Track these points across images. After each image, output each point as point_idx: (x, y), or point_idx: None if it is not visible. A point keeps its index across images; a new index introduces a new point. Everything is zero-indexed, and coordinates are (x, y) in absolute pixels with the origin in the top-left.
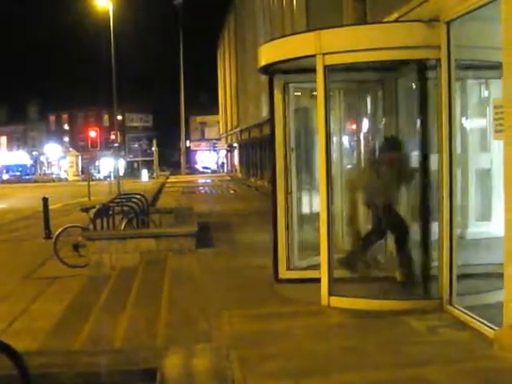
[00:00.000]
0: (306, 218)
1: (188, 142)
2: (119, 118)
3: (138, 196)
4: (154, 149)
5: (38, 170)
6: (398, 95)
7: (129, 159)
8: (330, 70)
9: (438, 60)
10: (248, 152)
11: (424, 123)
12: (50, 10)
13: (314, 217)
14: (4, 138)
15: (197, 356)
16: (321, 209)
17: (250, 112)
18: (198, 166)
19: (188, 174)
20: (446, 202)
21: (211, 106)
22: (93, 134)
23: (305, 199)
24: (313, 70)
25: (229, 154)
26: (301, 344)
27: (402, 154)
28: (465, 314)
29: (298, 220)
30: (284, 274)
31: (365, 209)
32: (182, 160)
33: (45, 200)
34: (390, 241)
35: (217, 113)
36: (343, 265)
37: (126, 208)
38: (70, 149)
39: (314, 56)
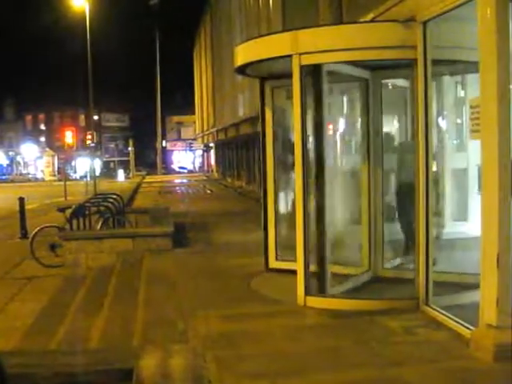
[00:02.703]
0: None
1: (164, 141)
2: (95, 117)
3: (114, 196)
4: (130, 149)
5: (15, 170)
6: (376, 95)
7: (105, 159)
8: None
9: (415, 60)
10: (224, 152)
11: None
12: (26, 9)
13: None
14: None
15: (173, 356)
16: (297, 208)
17: (226, 112)
18: (175, 166)
19: (164, 174)
20: (422, 202)
21: (187, 106)
22: (69, 134)
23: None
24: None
25: (205, 154)
26: (277, 344)
27: None
28: (441, 314)
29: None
30: (273, 263)
31: None
32: (159, 160)
33: (21, 200)
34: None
35: (193, 113)
36: None
37: (102, 208)
38: (47, 149)
39: (290, 56)
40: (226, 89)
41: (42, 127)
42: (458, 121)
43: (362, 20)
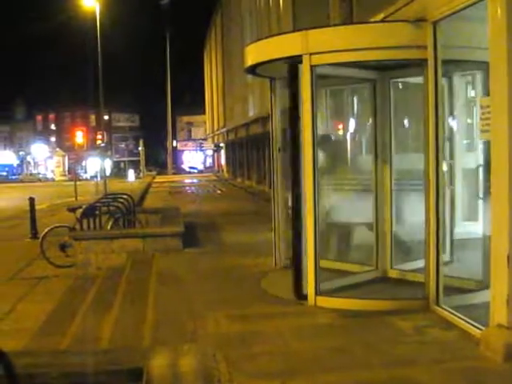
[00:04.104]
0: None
1: (175, 141)
2: (106, 117)
3: (125, 196)
4: (140, 149)
5: (25, 170)
6: (386, 95)
7: (115, 159)
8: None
9: (425, 60)
10: (234, 152)
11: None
12: (36, 8)
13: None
14: None
15: (183, 356)
16: (307, 209)
17: (236, 112)
18: (185, 166)
19: (175, 174)
20: (432, 202)
21: (198, 106)
22: (79, 134)
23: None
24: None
25: (215, 154)
26: (287, 344)
27: None
28: (451, 313)
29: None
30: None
31: None
32: (169, 160)
33: (31, 200)
34: None
35: (203, 113)
36: None
37: (112, 208)
38: (57, 149)
39: (300, 56)
40: (237, 89)
41: (53, 127)
42: (469, 121)
43: (372, 20)
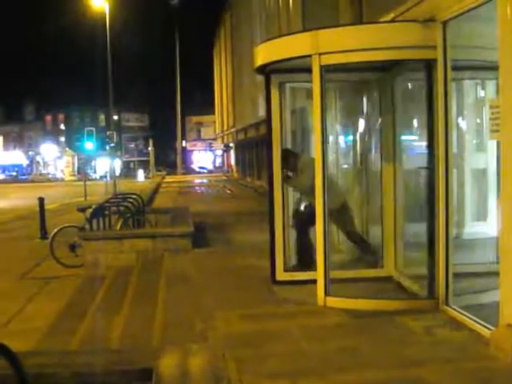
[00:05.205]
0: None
1: (184, 141)
2: (115, 117)
3: (134, 196)
4: (149, 149)
5: (34, 170)
6: (395, 95)
7: (125, 159)
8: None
9: (435, 60)
10: (244, 152)
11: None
12: (46, 9)
13: None
14: (0, 138)
15: (193, 356)
16: (317, 209)
17: (246, 112)
18: (194, 166)
19: (184, 174)
20: (441, 202)
21: (207, 106)
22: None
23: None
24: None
25: (225, 154)
26: (297, 344)
27: None
28: (461, 313)
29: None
30: (281, 275)
31: None
32: (178, 160)
33: (41, 200)
34: None
35: (213, 113)
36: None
37: (122, 208)
38: (66, 149)
39: (310, 56)
40: (246, 88)
41: (62, 127)
42: (478, 121)
43: (381, 20)
